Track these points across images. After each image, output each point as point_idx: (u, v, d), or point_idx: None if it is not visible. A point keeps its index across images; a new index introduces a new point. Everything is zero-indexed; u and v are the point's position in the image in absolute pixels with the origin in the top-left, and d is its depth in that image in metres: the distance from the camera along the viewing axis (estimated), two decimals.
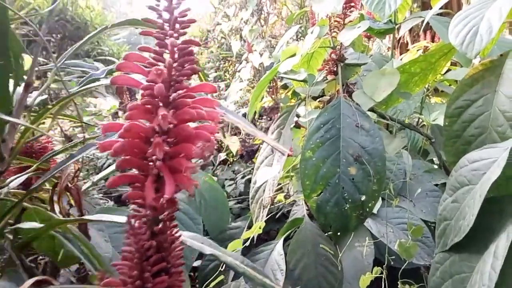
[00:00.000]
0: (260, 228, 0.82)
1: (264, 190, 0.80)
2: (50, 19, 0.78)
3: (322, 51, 0.90)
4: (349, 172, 0.70)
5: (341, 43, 0.80)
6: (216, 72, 2.72)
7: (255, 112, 1.10)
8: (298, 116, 0.90)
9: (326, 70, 0.85)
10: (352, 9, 0.82)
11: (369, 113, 0.92)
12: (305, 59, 0.89)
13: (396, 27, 1.54)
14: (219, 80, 2.60)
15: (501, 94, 0.71)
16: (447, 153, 0.78)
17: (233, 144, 1.32)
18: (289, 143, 0.82)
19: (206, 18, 3.22)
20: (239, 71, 1.84)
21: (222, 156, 1.55)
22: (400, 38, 3.24)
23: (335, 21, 0.82)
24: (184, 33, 0.33)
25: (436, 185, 1.19)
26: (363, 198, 0.68)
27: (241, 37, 2.40)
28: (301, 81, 0.82)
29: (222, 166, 1.60)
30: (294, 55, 0.85)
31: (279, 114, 0.90)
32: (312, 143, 0.72)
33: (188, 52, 0.32)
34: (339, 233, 0.71)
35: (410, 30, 2.92)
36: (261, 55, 1.74)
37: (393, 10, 1.16)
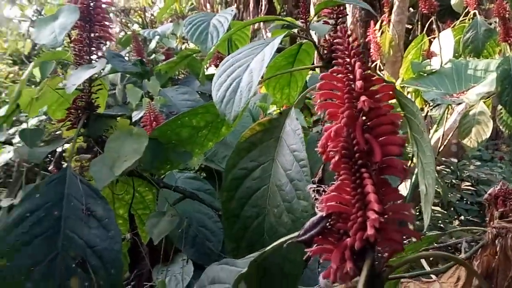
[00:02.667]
0: None
1: None
2: None
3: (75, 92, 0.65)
4: (68, 286, 0.47)
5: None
6: None
7: None
8: None
9: (70, 121, 0.61)
10: (100, 40, 0.60)
11: None
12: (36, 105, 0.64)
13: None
14: None
15: (278, 165, 0.56)
16: (227, 237, 0.60)
17: None
18: None
19: None
20: None
21: None
22: None
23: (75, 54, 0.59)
24: None
25: None
26: None
27: None
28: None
29: None
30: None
31: None
32: (7, 244, 0.47)
33: None
34: None
35: None
36: None
37: (216, 43, 1.05)
